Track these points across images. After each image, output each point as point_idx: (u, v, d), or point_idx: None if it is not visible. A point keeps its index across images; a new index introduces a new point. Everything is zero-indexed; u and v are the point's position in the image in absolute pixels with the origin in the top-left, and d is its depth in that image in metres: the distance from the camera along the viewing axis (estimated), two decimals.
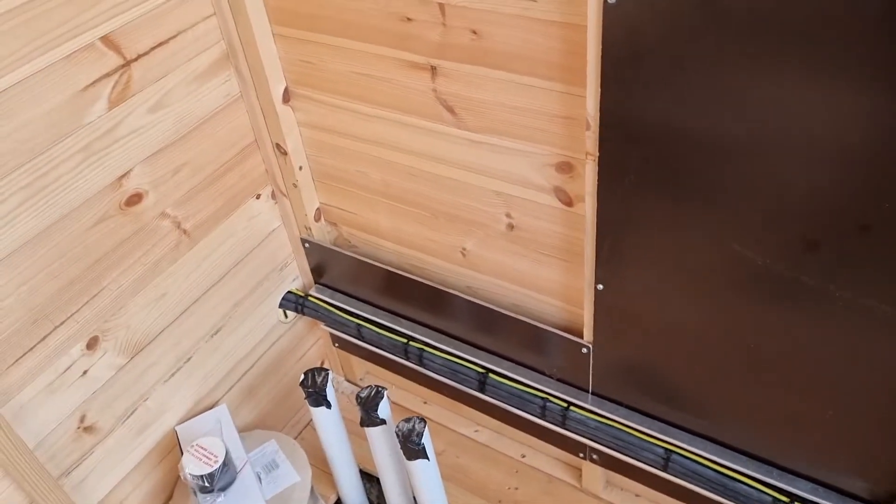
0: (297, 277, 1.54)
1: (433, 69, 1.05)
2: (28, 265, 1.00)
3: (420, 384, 1.52)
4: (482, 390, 1.34)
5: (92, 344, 1.13)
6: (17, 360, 1.02)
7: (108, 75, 1.03)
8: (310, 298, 1.51)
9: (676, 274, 0.99)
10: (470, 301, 1.28)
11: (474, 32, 0.97)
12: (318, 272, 1.52)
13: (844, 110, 0.73)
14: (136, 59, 1.06)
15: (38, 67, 0.94)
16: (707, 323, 1.01)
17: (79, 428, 1.14)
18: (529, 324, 1.22)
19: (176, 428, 1.33)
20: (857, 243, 0.81)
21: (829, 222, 0.82)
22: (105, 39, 1.01)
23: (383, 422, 1.25)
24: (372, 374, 1.72)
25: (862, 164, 0.76)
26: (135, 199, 1.13)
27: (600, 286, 1.07)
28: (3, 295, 0.98)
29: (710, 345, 1.03)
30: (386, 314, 1.45)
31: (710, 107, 0.81)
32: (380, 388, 1.25)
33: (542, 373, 1.28)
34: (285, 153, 1.32)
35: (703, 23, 0.75)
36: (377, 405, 1.23)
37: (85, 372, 1.13)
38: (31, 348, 1.04)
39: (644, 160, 0.90)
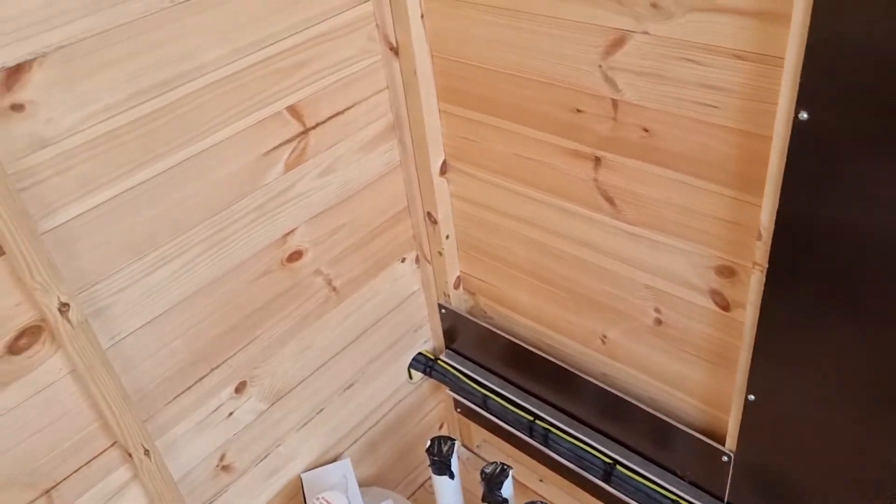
0: (428, 340, 1.56)
1: (597, 160, 1.06)
2: (198, 310, 1.07)
3: (539, 462, 1.49)
4: (607, 481, 1.30)
5: (240, 388, 1.18)
6: (175, 398, 1.08)
7: (288, 141, 1.10)
8: (439, 362, 1.53)
9: (838, 394, 0.94)
10: (604, 389, 1.25)
11: (645, 130, 0.97)
12: (450, 337, 1.53)
13: None
14: (314, 127, 1.13)
15: (230, 133, 1.02)
16: (865, 447, 0.95)
17: (218, 466, 1.20)
18: (667, 422, 1.18)
19: (302, 475, 1.36)
20: None
21: None
22: (290, 109, 1.08)
23: (505, 501, 1.24)
24: (489, 443, 1.71)
25: None
26: (295, 255, 1.19)
27: (752, 396, 1.03)
28: (173, 336, 1.05)
29: (865, 468, 0.96)
30: (513, 388, 1.45)
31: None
32: (505, 467, 1.24)
33: (674, 473, 1.23)
34: (435, 222, 1.36)
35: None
36: (501, 483, 1.22)
37: (230, 414, 1.19)
38: (189, 388, 1.10)
39: (818, 275, 0.87)
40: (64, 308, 0.82)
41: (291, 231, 1.16)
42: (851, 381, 0.91)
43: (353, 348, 1.38)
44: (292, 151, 1.12)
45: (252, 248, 1.11)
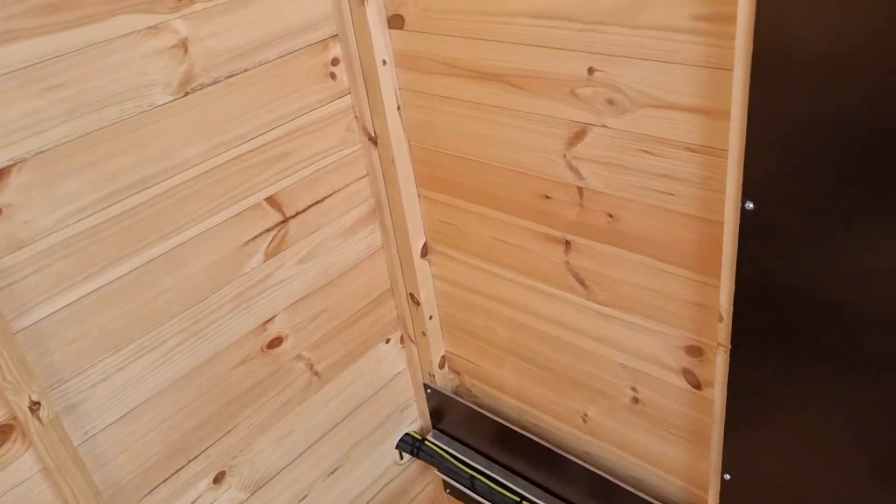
0: (415, 420, 1.56)
1: (567, 243, 1.09)
2: (175, 401, 1.08)
3: None
4: None
5: (219, 478, 1.18)
6: (151, 491, 1.09)
7: (267, 231, 1.14)
8: (426, 443, 1.52)
9: (809, 471, 0.94)
10: (588, 469, 1.25)
11: (610, 216, 1.00)
12: (436, 417, 1.54)
13: None
14: (293, 216, 1.17)
15: (209, 226, 1.05)
16: None
17: None
18: (647, 501, 1.17)
19: None
20: None
21: None
22: (270, 200, 1.12)
23: None
24: None
25: None
26: (276, 342, 1.21)
27: (727, 476, 1.03)
28: (148, 429, 1.06)
29: None
30: (500, 469, 1.44)
31: (849, 301, 0.79)
32: None
33: None
34: (418, 303, 1.38)
35: (838, 226, 0.75)
36: None
37: None
38: (165, 480, 1.10)
39: (778, 353, 0.88)
40: (35, 406, 0.83)
41: (271, 318, 1.19)
42: (825, 460, 0.91)
43: (337, 432, 1.38)
44: (272, 240, 1.15)
45: (231, 336, 1.13)
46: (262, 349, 1.19)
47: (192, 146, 1.00)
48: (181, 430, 1.10)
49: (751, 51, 0.73)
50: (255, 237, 1.12)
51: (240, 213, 1.09)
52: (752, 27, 0.72)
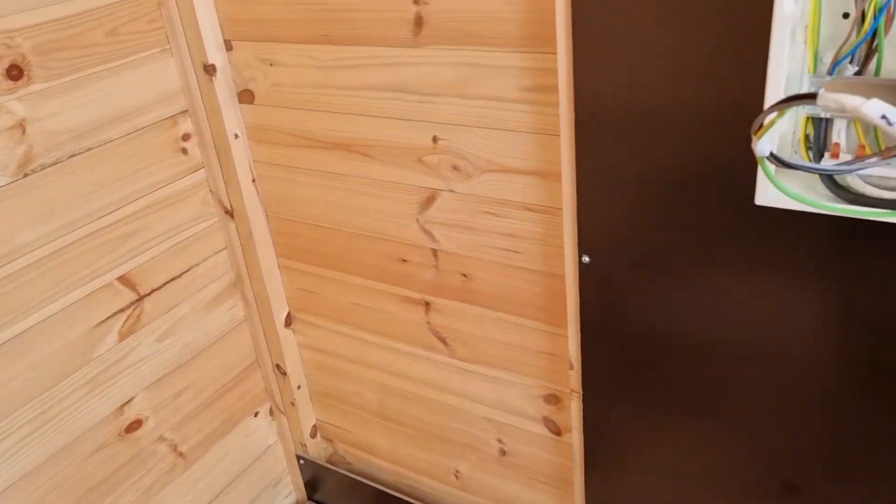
0: (290, 493, 1.53)
1: (427, 304, 1.12)
2: (27, 495, 1.01)
3: None
4: None
5: None
6: None
7: (121, 311, 1.10)
8: None
9: (676, 497, 1.00)
10: None
11: (464, 275, 1.05)
12: (312, 488, 1.51)
13: (802, 349, 0.79)
14: (148, 294, 1.14)
15: (57, 309, 1.01)
16: None
17: None
18: None
19: None
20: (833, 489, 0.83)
21: (803, 464, 0.85)
22: (122, 279, 1.09)
23: None
24: None
25: (824, 408, 0.80)
26: (135, 425, 1.16)
27: None
28: None
29: None
30: None
31: (682, 345, 0.86)
32: None
33: None
34: (285, 373, 1.36)
35: (662, 274, 0.83)
36: None
37: None
38: None
39: (626, 396, 0.95)
40: None
41: (129, 401, 1.14)
42: (679, 486, 0.98)
43: None
44: (126, 320, 1.11)
45: (85, 423, 1.08)
46: (119, 434, 1.13)
47: (34, 228, 0.96)
48: None
49: (573, 118, 0.81)
50: (108, 318, 1.09)
51: (90, 294, 1.05)
52: (572, 98, 0.79)
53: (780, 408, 0.83)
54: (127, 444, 1.15)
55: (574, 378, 0.97)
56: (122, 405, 1.13)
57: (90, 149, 1.01)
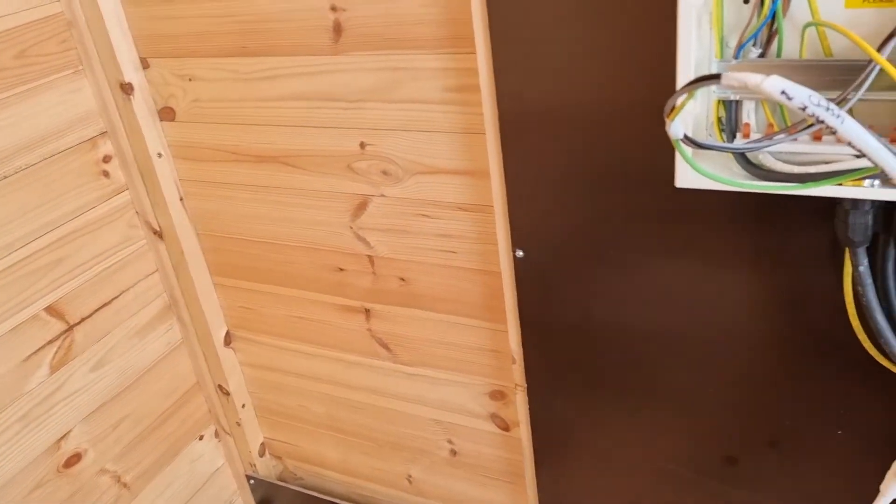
0: None
1: (367, 311, 1.12)
2: None
3: None
4: None
5: None
6: None
7: (50, 342, 1.07)
8: None
9: (615, 492, 1.02)
10: None
11: (402, 279, 1.05)
12: None
13: (729, 329, 0.82)
14: (78, 323, 1.10)
15: None
16: None
17: None
18: None
19: None
20: (770, 457, 0.87)
21: (742, 438, 0.88)
22: (49, 309, 1.06)
23: None
24: None
25: (759, 382, 0.83)
26: (74, 459, 1.12)
27: None
28: None
29: None
30: None
31: (617, 332, 0.88)
32: None
33: None
34: (228, 393, 1.34)
35: (592, 263, 0.85)
36: None
37: None
38: None
39: (569, 387, 0.96)
40: None
41: (66, 434, 1.10)
42: (627, 479, 1.00)
43: None
44: (56, 351, 1.08)
45: (20, 462, 1.04)
46: (58, 470, 1.09)
47: None
48: None
49: (497, 116, 0.82)
50: (37, 350, 1.05)
51: (16, 327, 1.01)
52: (495, 96, 0.81)
53: (716, 386, 0.86)
54: (67, 479, 1.11)
55: (517, 372, 0.98)
56: (59, 440, 1.09)
57: (5, 176, 0.98)
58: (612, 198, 0.81)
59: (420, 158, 0.94)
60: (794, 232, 0.74)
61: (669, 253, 0.81)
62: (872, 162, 0.45)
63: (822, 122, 0.41)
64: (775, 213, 0.73)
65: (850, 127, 0.41)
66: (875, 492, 0.77)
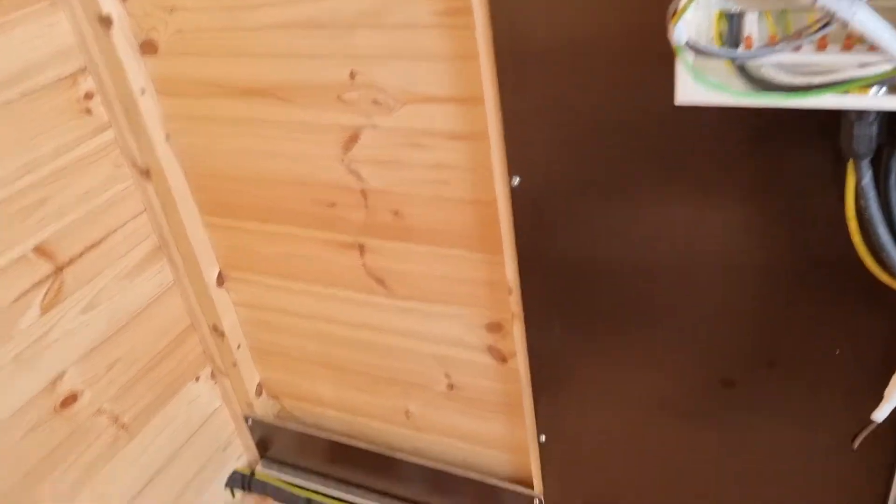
0: (241, 455, 1.51)
1: (361, 247, 1.11)
2: None
3: None
4: None
5: None
6: None
7: (40, 283, 1.05)
8: (256, 476, 1.48)
9: (612, 418, 1.03)
10: (418, 464, 1.28)
11: (395, 212, 1.04)
12: (263, 447, 1.49)
13: (727, 253, 0.81)
14: (68, 264, 1.09)
15: None
16: (648, 460, 1.04)
17: None
18: (479, 481, 1.22)
19: None
20: (767, 379, 0.87)
21: (739, 361, 0.88)
22: (37, 249, 1.04)
23: None
24: None
25: (757, 304, 0.83)
26: (69, 400, 1.12)
27: (542, 437, 1.10)
28: None
29: (653, 480, 1.05)
30: (336, 483, 1.43)
31: (612, 258, 0.88)
32: None
33: None
34: (222, 334, 1.33)
35: (589, 188, 0.83)
36: None
37: None
38: None
39: (565, 315, 0.96)
40: None
41: (60, 375, 1.10)
42: (623, 404, 1.00)
43: (159, 483, 1.30)
44: (46, 292, 1.06)
45: (15, 402, 1.03)
46: (54, 410, 1.09)
47: None
48: None
49: (491, 39, 0.79)
50: (27, 291, 1.03)
51: (4, 267, 1.00)
52: (489, 19, 0.78)
53: (715, 311, 0.86)
54: (63, 419, 1.11)
55: (514, 302, 0.98)
56: (54, 381, 1.09)
57: None
58: (611, 124, 0.79)
59: (412, 87, 0.92)
60: (795, 151, 0.72)
61: (668, 177, 0.79)
62: (888, 54, 0.43)
63: (833, 14, 0.39)
64: (775, 132, 0.72)
65: (864, 17, 0.39)
66: (873, 408, 0.78)
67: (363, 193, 1.05)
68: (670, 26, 0.49)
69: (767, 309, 0.83)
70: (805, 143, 0.71)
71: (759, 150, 0.74)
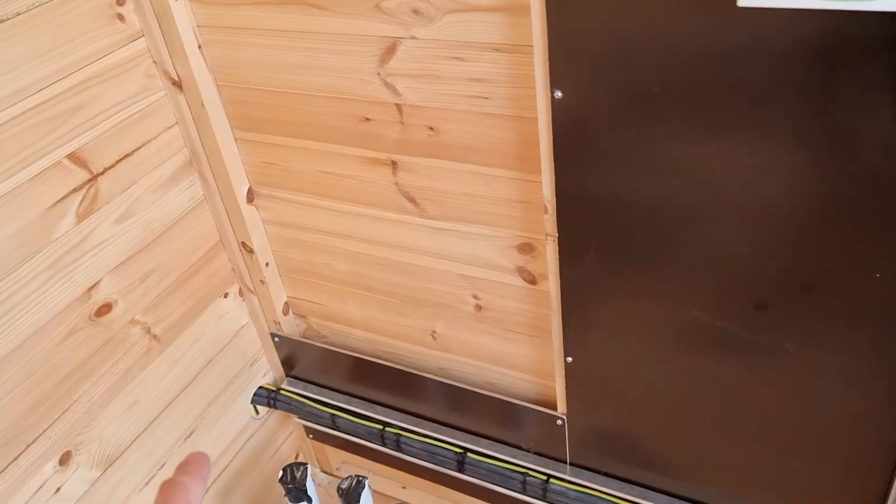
0: (267, 372, 1.54)
1: (394, 164, 1.10)
2: None
3: (399, 469, 1.51)
4: (461, 470, 1.34)
5: (65, 459, 1.11)
6: None
7: (75, 191, 1.05)
8: (282, 392, 1.51)
9: (641, 342, 1.03)
10: (443, 382, 1.30)
11: (431, 129, 1.03)
12: (288, 365, 1.52)
13: (773, 173, 0.80)
14: (102, 173, 1.09)
15: (4, 191, 0.96)
16: (673, 386, 1.05)
17: None
18: (503, 400, 1.24)
19: None
20: (802, 303, 0.87)
21: (774, 284, 0.87)
22: (72, 156, 1.04)
23: None
24: (349, 463, 1.71)
25: (796, 226, 0.82)
26: (104, 309, 1.13)
27: (569, 359, 1.11)
28: None
29: (678, 406, 1.06)
30: (360, 402, 1.46)
31: (653, 179, 0.86)
32: (360, 478, 1.24)
33: (520, 448, 1.30)
34: (251, 251, 1.34)
35: (634, 106, 0.82)
36: (359, 496, 1.23)
37: (58, 489, 1.11)
38: (3, 470, 1.02)
39: (600, 236, 0.95)
40: None
41: (95, 284, 1.11)
42: (653, 328, 1.01)
43: (188, 394, 1.33)
44: (82, 200, 1.07)
45: (51, 309, 1.05)
46: (90, 318, 1.11)
47: None
48: (12, 415, 1.01)
49: None
50: (63, 198, 1.04)
51: (39, 173, 1.00)
52: None
53: (752, 233, 0.85)
54: (99, 328, 1.13)
55: (549, 221, 0.97)
56: (89, 289, 1.10)
57: (18, 13, 0.93)
58: (660, 46, 0.77)
59: None
60: (852, 68, 0.70)
61: (716, 107, 0.77)
62: None
63: None
64: (832, 45, 0.69)
65: None
66: None
67: (398, 108, 1.03)
68: None
69: (808, 228, 0.82)
70: (864, 60, 0.69)
71: (814, 68, 0.72)
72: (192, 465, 0.48)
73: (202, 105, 1.17)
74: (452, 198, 1.08)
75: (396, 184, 1.12)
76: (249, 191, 1.29)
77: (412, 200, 1.13)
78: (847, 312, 0.85)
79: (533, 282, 1.11)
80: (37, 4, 0.96)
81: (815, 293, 0.85)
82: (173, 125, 1.19)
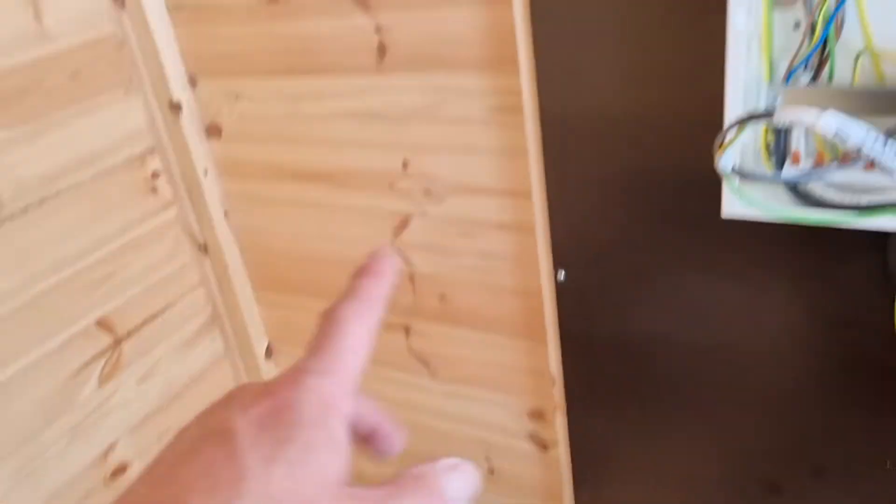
0: None
1: (407, 329, 1.13)
2: None
3: None
4: None
5: None
6: None
7: (100, 355, 1.09)
8: None
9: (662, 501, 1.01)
10: None
11: (442, 297, 1.06)
12: None
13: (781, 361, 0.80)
14: (126, 336, 1.13)
15: (32, 359, 0.99)
16: None
17: None
18: None
19: None
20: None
21: (785, 461, 0.86)
22: (99, 322, 1.08)
23: None
24: None
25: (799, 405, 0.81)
26: (119, 471, 1.14)
27: None
28: None
29: None
30: None
31: (661, 347, 0.87)
32: None
33: None
34: None
35: (634, 280, 0.84)
36: None
37: None
38: None
39: (609, 407, 0.95)
40: None
41: (112, 446, 1.13)
42: (673, 493, 0.99)
43: None
44: (105, 364, 1.10)
45: (70, 473, 1.06)
46: (104, 480, 1.12)
47: (7, 279, 0.95)
48: None
49: (540, 136, 0.82)
50: (87, 364, 1.07)
51: (66, 340, 1.04)
52: (538, 116, 0.81)
53: (760, 408, 0.85)
54: (113, 491, 1.13)
55: (557, 394, 0.98)
56: (106, 451, 1.12)
57: (59, 193, 1.01)
58: (656, 217, 0.80)
59: (461, 177, 0.94)
60: (843, 257, 0.72)
61: (715, 275, 0.80)
62: None
63: (876, 162, 0.40)
64: (823, 238, 0.72)
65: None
66: None
67: (411, 277, 1.07)
68: (716, 156, 0.50)
69: (815, 410, 0.81)
70: (854, 250, 0.71)
71: (808, 250, 0.74)
72: (368, 276, 0.31)
73: (226, 267, 1.22)
74: (464, 363, 1.10)
75: (409, 347, 1.14)
76: (268, 347, 1.32)
77: (425, 363, 1.14)
78: (860, 501, 0.83)
79: (545, 448, 1.10)
80: (79, 183, 1.03)
81: (826, 477, 0.84)
82: (197, 287, 1.24)
